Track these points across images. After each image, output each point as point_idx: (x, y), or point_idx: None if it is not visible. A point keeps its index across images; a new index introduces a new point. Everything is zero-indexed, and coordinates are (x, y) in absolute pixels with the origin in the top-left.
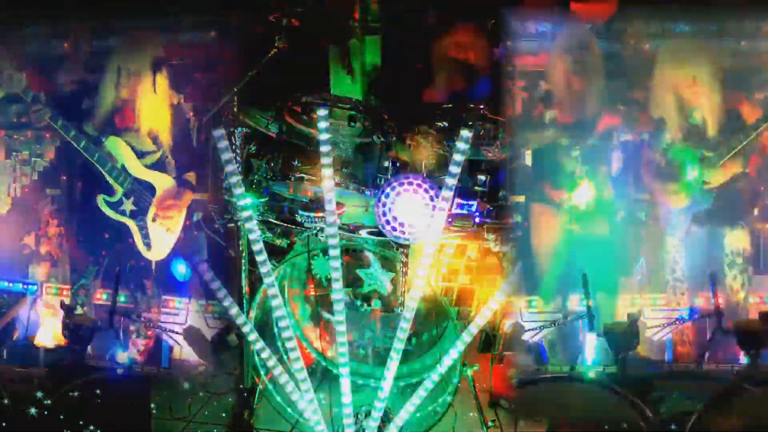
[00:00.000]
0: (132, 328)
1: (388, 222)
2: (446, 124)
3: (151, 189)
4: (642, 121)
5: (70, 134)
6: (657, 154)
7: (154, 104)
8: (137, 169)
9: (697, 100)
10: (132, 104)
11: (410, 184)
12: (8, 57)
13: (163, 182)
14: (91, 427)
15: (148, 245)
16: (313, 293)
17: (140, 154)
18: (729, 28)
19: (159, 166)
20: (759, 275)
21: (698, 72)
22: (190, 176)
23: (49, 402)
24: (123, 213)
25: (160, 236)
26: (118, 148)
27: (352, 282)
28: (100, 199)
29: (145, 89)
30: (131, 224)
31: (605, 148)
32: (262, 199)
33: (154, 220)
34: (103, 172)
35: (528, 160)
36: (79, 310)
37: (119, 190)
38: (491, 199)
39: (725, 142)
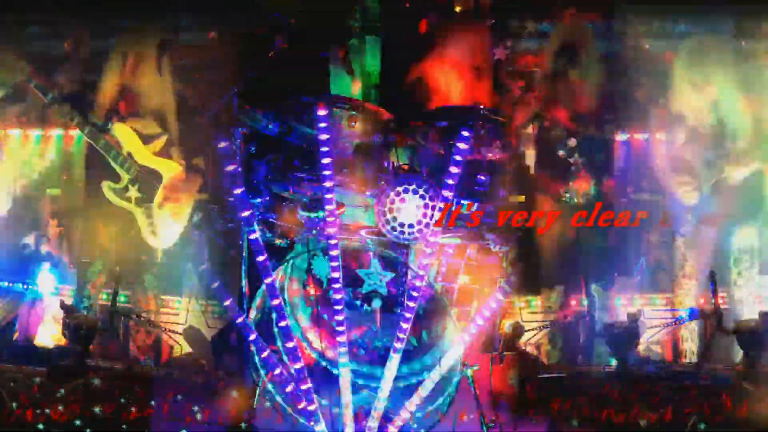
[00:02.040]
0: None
1: (388, 222)
2: (446, 124)
3: (157, 176)
4: (660, 119)
5: (85, 130)
6: (672, 150)
7: (159, 87)
8: (144, 155)
9: (718, 99)
10: (137, 88)
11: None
12: (10, 47)
13: (170, 168)
14: (91, 427)
15: (153, 233)
16: (313, 293)
17: (146, 140)
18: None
19: (165, 152)
20: (763, 275)
21: (718, 72)
22: (199, 161)
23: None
24: (128, 200)
25: (167, 223)
26: (124, 134)
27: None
28: (105, 186)
29: (150, 72)
30: (136, 211)
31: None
32: (262, 199)
33: (161, 206)
34: (109, 159)
35: (528, 159)
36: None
37: (125, 177)
38: (491, 199)
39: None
